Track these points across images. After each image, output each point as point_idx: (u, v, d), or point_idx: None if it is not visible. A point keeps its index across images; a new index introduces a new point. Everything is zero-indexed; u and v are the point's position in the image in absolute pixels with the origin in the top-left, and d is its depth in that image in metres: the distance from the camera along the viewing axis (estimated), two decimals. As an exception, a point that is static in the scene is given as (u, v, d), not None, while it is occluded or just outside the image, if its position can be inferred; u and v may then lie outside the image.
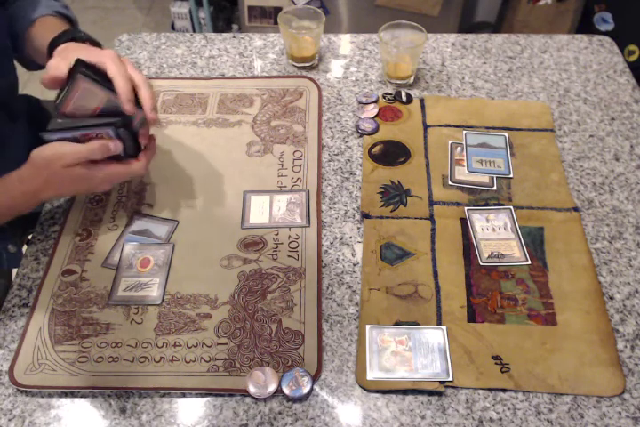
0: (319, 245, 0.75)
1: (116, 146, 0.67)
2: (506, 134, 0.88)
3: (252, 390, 0.62)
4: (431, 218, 0.77)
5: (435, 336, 0.66)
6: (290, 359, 0.65)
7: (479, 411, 0.62)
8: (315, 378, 0.64)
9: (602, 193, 0.81)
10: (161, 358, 0.65)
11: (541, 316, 0.68)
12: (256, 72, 0.99)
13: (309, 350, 0.65)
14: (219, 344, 0.66)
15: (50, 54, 0.71)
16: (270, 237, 0.75)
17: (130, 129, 0.68)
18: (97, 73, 0.65)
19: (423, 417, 0.61)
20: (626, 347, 0.66)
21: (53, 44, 0.72)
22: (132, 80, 0.67)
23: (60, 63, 0.66)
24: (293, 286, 0.71)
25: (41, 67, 0.81)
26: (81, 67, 0.65)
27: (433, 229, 0.76)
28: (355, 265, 0.74)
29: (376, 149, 0.86)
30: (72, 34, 0.73)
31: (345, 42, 1.05)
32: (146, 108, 0.67)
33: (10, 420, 0.62)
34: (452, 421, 0.61)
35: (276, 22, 1.31)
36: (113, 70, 0.65)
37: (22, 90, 0.88)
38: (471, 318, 0.68)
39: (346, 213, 0.79)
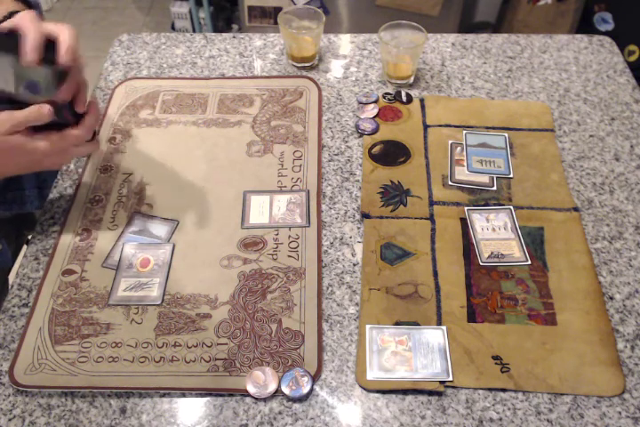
0: (319, 245, 0.75)
1: (49, 109, 0.63)
2: (506, 134, 0.88)
3: (251, 390, 0.62)
4: (431, 218, 0.77)
5: (435, 336, 0.66)
6: (290, 359, 0.65)
7: (479, 411, 0.62)
8: (315, 378, 0.64)
9: (602, 193, 0.81)
10: (161, 358, 0.65)
11: (541, 316, 0.68)
12: (256, 72, 0.99)
13: (309, 350, 0.65)
14: (219, 344, 0.66)
15: None
16: (270, 237, 0.75)
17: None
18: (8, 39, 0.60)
19: (423, 417, 0.61)
20: (626, 347, 0.66)
21: None
22: (49, 31, 0.61)
23: None
24: (293, 286, 0.71)
25: None
26: None
27: (433, 229, 0.76)
28: (355, 265, 0.74)
29: (376, 149, 0.86)
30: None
31: (345, 42, 1.05)
32: (60, 50, 0.60)
33: (10, 420, 0.62)
34: (451, 421, 0.61)
35: (275, 22, 1.31)
36: (24, 26, 0.59)
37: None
38: (471, 318, 0.68)
39: (346, 213, 0.79)
